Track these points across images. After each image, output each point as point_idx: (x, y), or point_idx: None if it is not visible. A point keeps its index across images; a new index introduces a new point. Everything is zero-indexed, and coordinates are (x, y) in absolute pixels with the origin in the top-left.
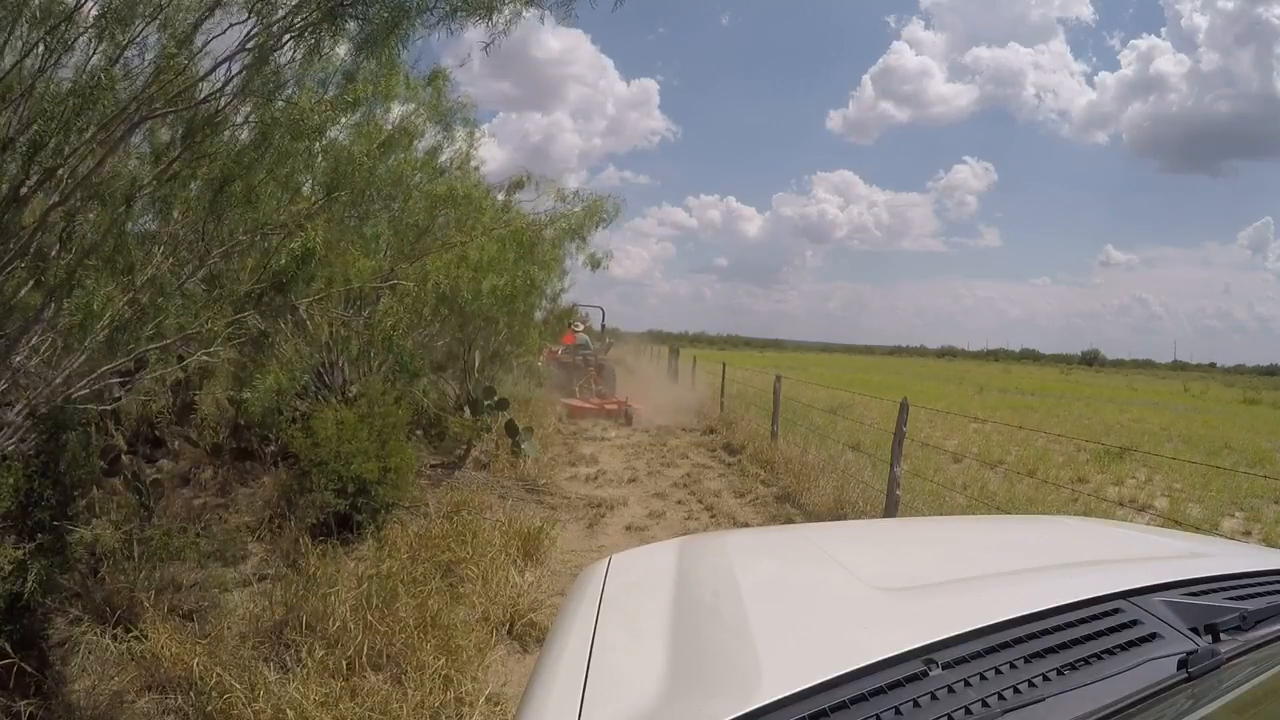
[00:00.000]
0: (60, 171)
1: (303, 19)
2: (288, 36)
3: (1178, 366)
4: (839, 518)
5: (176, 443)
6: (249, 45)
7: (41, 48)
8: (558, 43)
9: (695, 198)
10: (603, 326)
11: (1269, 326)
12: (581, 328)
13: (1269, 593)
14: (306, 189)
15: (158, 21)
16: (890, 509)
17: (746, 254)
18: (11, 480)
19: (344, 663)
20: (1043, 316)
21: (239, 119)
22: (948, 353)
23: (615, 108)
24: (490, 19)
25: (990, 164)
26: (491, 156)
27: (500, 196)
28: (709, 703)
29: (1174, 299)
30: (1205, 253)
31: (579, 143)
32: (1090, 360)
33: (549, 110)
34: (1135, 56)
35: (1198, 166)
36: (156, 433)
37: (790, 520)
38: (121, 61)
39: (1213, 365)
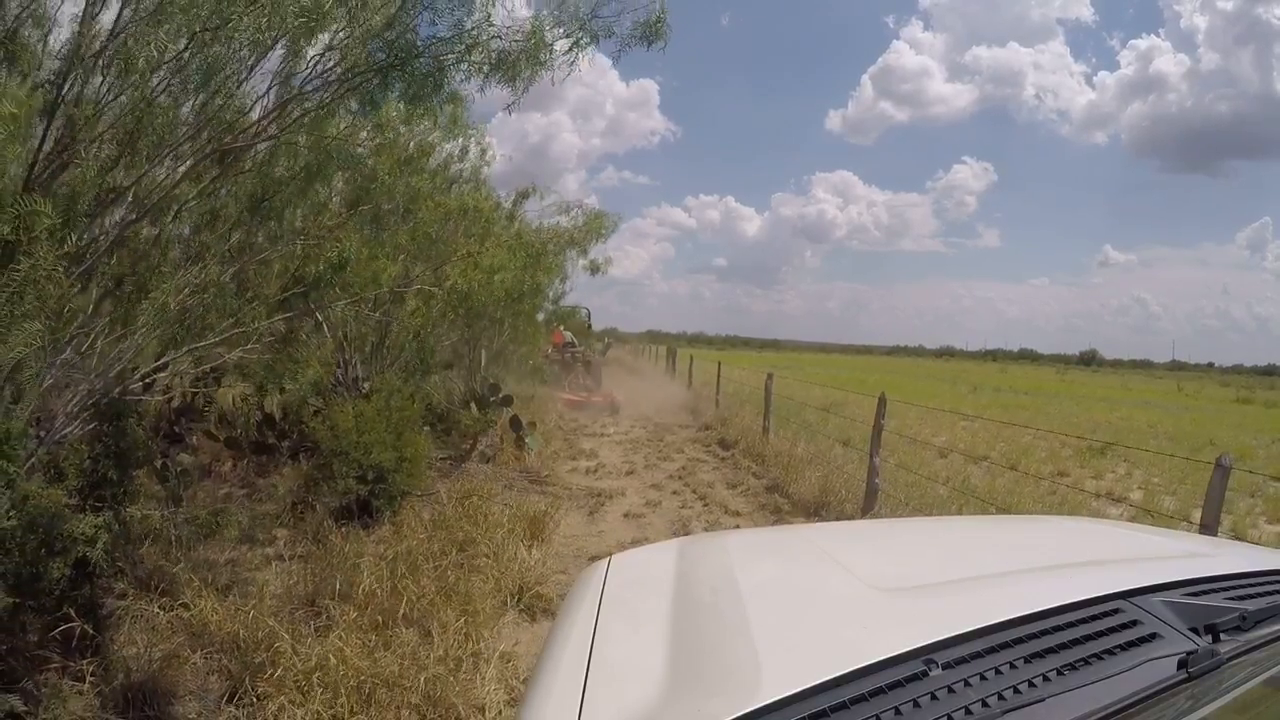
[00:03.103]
0: (133, 190)
1: (360, 76)
2: (344, 87)
3: (1176, 367)
4: (823, 506)
5: (195, 437)
6: (306, 89)
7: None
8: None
9: (694, 198)
10: (588, 326)
11: (1267, 327)
12: (563, 326)
13: (1269, 593)
14: (333, 204)
15: (224, 74)
16: (870, 497)
17: (745, 254)
18: (78, 461)
19: (378, 619)
20: (1041, 317)
21: (283, 147)
22: (946, 353)
23: (614, 108)
24: (514, 82)
25: (989, 164)
26: (494, 160)
27: (507, 205)
28: (709, 702)
29: (1172, 299)
30: (1203, 253)
31: (578, 143)
32: (1088, 360)
33: (548, 110)
34: (1135, 57)
35: (1196, 166)
36: (175, 428)
37: (778, 508)
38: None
39: (1211, 365)
